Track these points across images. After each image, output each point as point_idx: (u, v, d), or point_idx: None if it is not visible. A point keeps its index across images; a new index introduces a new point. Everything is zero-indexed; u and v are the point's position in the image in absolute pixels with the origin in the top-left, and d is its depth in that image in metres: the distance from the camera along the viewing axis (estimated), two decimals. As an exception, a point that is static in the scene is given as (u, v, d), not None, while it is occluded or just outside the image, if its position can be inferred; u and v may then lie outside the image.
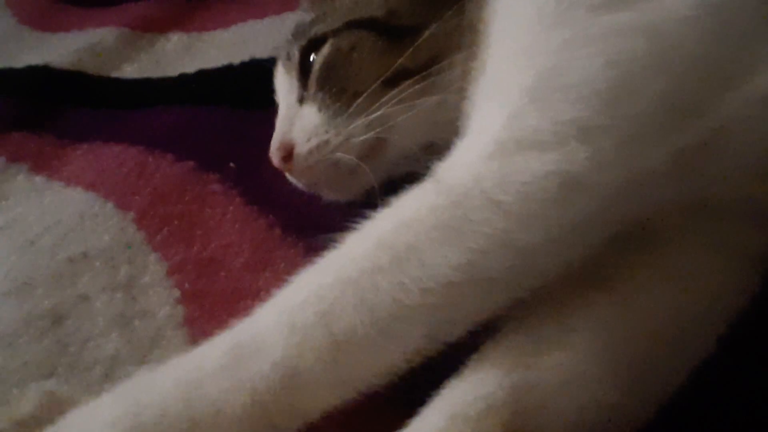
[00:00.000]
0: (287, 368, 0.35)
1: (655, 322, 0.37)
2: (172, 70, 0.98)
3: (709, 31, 0.38)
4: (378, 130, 0.53)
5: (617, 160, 0.35)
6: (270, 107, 0.82)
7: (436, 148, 0.55)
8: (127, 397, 0.37)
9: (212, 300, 0.52)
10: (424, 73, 0.52)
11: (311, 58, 0.57)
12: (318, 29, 0.57)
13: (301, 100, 0.57)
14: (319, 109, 0.55)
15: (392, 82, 0.52)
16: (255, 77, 0.89)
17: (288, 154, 0.55)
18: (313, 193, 0.60)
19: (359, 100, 0.53)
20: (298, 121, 0.56)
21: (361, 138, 0.52)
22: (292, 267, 0.54)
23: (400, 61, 0.52)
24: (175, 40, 1.08)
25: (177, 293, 0.53)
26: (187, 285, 0.53)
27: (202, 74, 0.93)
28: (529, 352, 0.35)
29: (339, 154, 0.53)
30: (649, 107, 0.36)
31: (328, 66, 0.55)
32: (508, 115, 0.38)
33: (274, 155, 0.56)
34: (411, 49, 0.52)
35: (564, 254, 0.35)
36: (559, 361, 0.35)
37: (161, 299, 0.52)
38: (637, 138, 0.36)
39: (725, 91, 0.37)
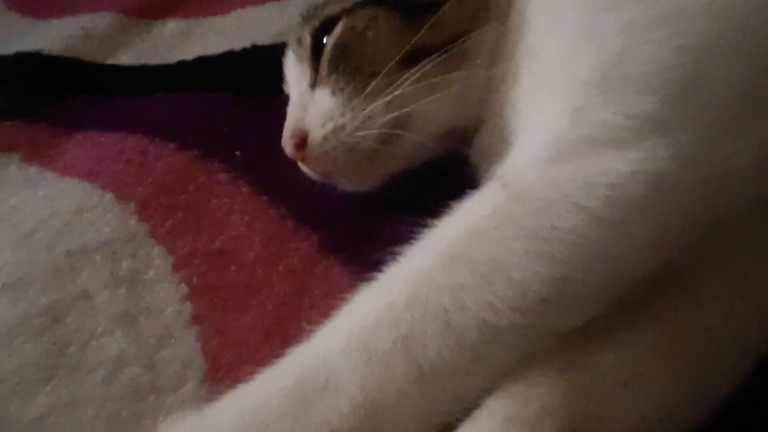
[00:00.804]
0: (368, 405, 0.31)
1: (715, 321, 0.35)
2: (171, 57, 0.94)
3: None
4: (398, 112, 0.49)
5: (702, 154, 0.33)
6: (275, 94, 0.79)
7: (459, 133, 0.54)
8: None
9: (223, 296, 0.49)
10: (443, 50, 0.48)
11: (324, 41, 0.53)
12: (330, 10, 0.54)
13: (314, 85, 0.53)
14: (333, 92, 0.51)
15: (411, 60, 0.49)
16: (257, 64, 0.87)
17: (302, 141, 0.51)
18: (327, 184, 0.57)
19: (376, 80, 0.49)
20: (312, 107, 0.52)
21: (380, 121, 0.49)
22: (307, 261, 0.53)
23: (417, 37, 0.49)
24: (172, 26, 1.03)
25: (185, 289, 0.49)
26: (195, 280, 0.50)
27: (202, 61, 0.89)
28: (584, 350, 0.32)
29: (357, 139, 0.50)
30: (727, 95, 0.34)
31: (342, 46, 0.52)
32: (573, 109, 0.36)
33: (287, 143, 0.52)
34: (428, 25, 0.49)
35: (654, 258, 0.33)
36: (617, 361, 0.32)
37: (168, 295, 0.48)
38: (719, 130, 0.34)
39: None
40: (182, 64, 0.90)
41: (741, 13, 0.35)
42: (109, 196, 0.59)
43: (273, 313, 0.47)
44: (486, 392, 0.32)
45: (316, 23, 0.53)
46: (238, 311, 0.47)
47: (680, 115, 0.34)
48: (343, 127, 0.50)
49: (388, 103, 0.49)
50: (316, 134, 0.51)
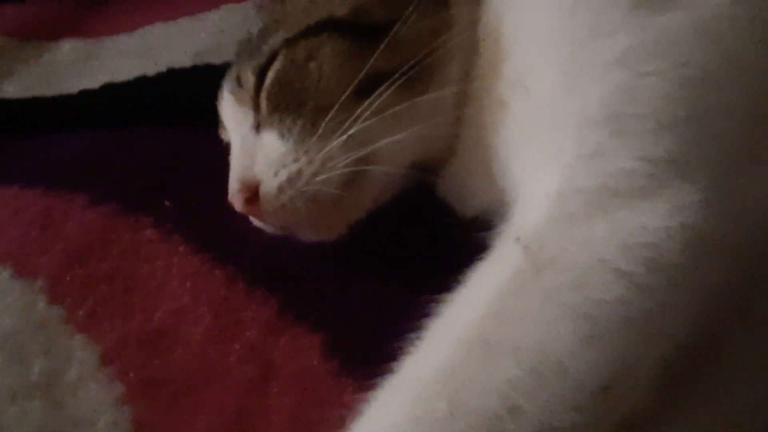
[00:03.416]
0: None
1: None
2: (69, 86, 0.81)
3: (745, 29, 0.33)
4: (361, 149, 0.43)
5: (726, 192, 0.31)
6: (198, 125, 0.70)
7: (427, 163, 0.49)
8: None
9: (169, 391, 0.40)
10: (401, 72, 0.43)
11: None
12: (273, 43, 0.46)
13: (258, 128, 0.46)
14: (281, 135, 0.44)
15: (367, 89, 0.43)
16: (175, 90, 0.77)
17: (252, 194, 0.44)
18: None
19: (329, 116, 0.43)
20: (259, 153, 0.45)
21: (341, 161, 0.43)
22: (267, 333, 0.45)
23: (371, 61, 0.43)
24: (68, 48, 0.90)
25: (119, 388, 0.40)
26: (132, 375, 0.40)
27: (110, 89, 0.77)
28: None
29: (317, 186, 0.43)
30: (734, 125, 0.32)
31: (281, 82, 0.45)
32: (585, 156, 0.33)
33: (236, 198, 0.44)
34: (383, 46, 0.43)
35: (708, 322, 0.30)
36: None
37: (98, 400, 0.39)
38: (736, 162, 0.32)
39: None
40: (86, 94, 0.77)
41: (732, 37, 0.33)
42: (6, 274, 0.47)
43: (234, 407, 0.39)
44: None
45: (262, 60, 0.46)
46: (190, 410, 0.39)
47: (696, 155, 0.32)
48: (299, 173, 0.43)
49: (347, 140, 0.43)
50: (269, 185, 0.44)
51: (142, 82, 0.78)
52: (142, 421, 0.38)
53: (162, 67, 0.79)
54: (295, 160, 0.44)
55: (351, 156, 0.43)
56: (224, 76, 0.80)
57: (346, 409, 0.39)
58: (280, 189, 0.44)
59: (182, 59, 0.81)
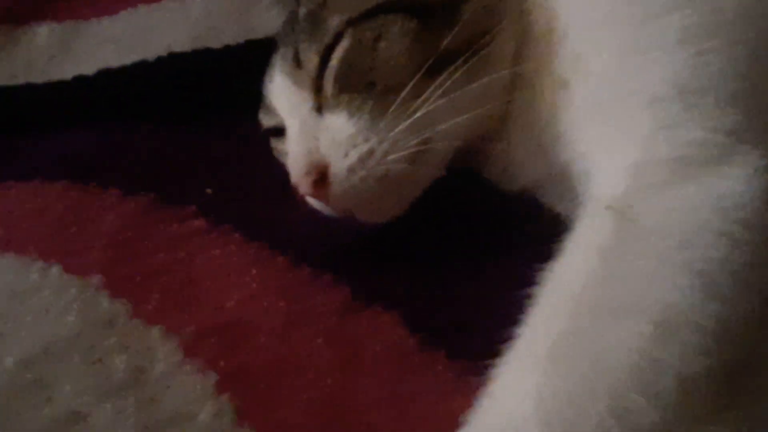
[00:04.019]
0: None
1: None
2: (55, 73, 0.76)
3: None
4: (427, 130, 0.44)
5: None
6: (210, 111, 0.68)
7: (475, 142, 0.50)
8: None
9: (265, 378, 0.39)
10: (466, 56, 0.44)
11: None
12: (335, 23, 0.46)
13: (320, 109, 0.46)
14: (351, 115, 0.44)
15: (432, 70, 0.44)
16: (181, 76, 0.73)
17: (320, 176, 0.44)
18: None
19: (402, 96, 0.44)
20: (325, 134, 0.45)
21: (412, 139, 0.44)
22: (346, 315, 0.45)
23: (445, 41, 0.44)
24: (44, 32, 0.83)
25: (213, 377, 0.39)
26: (222, 363, 0.39)
27: (106, 75, 0.72)
28: None
29: (388, 164, 0.44)
30: None
31: (350, 62, 0.45)
32: (662, 129, 0.36)
33: (303, 182, 0.44)
34: (458, 27, 0.44)
35: None
36: None
37: (194, 391, 0.38)
38: None
39: None
40: (81, 80, 0.72)
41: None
42: (55, 270, 0.44)
43: (329, 387, 0.39)
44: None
45: (327, 40, 0.45)
46: (288, 393, 0.39)
47: (756, 124, 0.35)
48: (370, 153, 0.44)
49: (417, 120, 0.44)
50: (339, 166, 0.44)
51: (141, 67, 0.74)
52: (244, 407, 0.37)
53: (160, 52, 0.76)
54: (366, 140, 0.44)
55: (420, 135, 0.44)
56: (222, 60, 0.78)
57: (440, 381, 0.41)
58: (351, 169, 0.44)
59: (179, 43, 0.78)
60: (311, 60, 0.46)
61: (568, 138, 0.44)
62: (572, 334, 0.32)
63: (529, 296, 0.38)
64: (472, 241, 0.50)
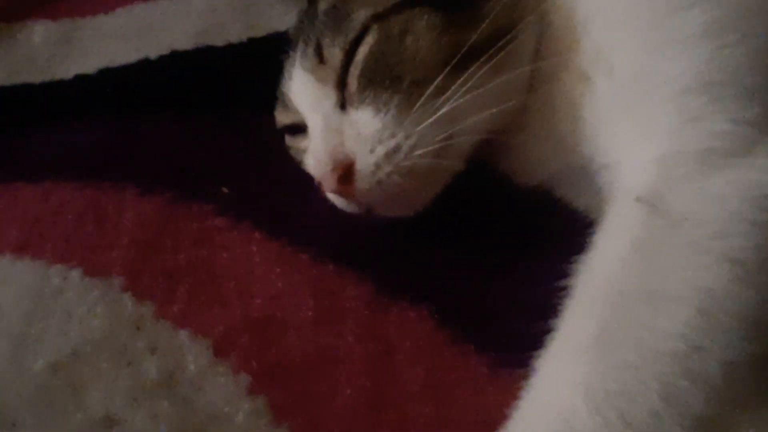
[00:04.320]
0: None
1: None
2: (54, 72, 0.74)
3: None
4: (452, 125, 0.44)
5: None
6: (217, 110, 0.67)
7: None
8: None
9: (299, 375, 0.39)
10: (493, 49, 0.44)
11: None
12: (359, 18, 0.45)
13: (343, 105, 0.45)
14: (377, 110, 0.44)
15: (459, 65, 0.44)
16: (185, 73, 0.72)
17: (345, 172, 0.43)
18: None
19: (428, 91, 0.43)
20: (349, 130, 0.44)
21: (438, 135, 0.44)
22: (376, 310, 0.45)
23: (475, 36, 0.44)
24: (42, 30, 0.81)
25: (246, 378, 0.38)
26: (254, 363, 0.39)
27: (109, 74, 0.71)
28: None
29: (415, 159, 0.43)
30: None
31: (376, 57, 0.44)
32: (688, 120, 0.37)
33: (328, 178, 0.43)
34: (487, 21, 0.44)
35: None
36: None
37: (229, 392, 0.37)
38: None
39: None
40: (82, 79, 0.71)
41: None
42: (75, 273, 0.43)
43: (366, 383, 0.39)
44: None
45: (352, 35, 0.45)
46: (324, 391, 0.38)
47: None
48: (397, 148, 0.43)
49: (443, 115, 0.44)
50: (365, 162, 0.43)
51: (144, 65, 0.73)
52: (281, 405, 0.37)
53: (162, 50, 0.74)
54: (392, 136, 0.44)
55: (446, 130, 0.44)
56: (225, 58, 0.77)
57: (474, 374, 0.41)
58: (377, 165, 0.43)
59: (181, 40, 0.77)
60: (335, 55, 0.46)
61: (590, 132, 0.44)
62: (615, 323, 0.33)
63: (558, 289, 0.39)
64: (493, 235, 0.51)
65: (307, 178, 0.50)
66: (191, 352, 0.39)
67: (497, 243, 0.50)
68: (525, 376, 0.36)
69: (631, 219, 0.37)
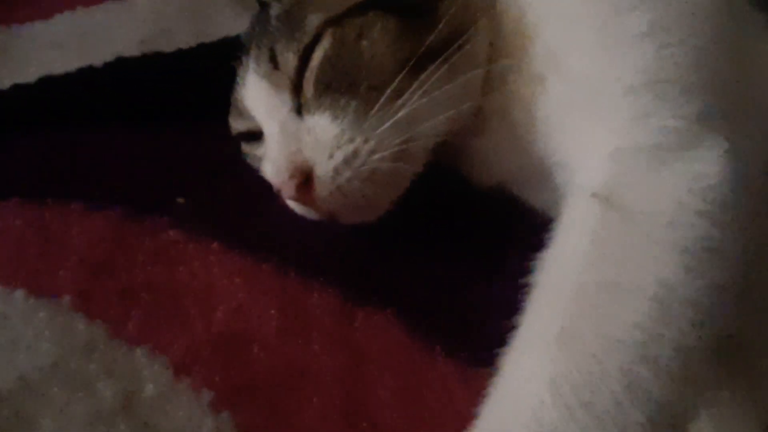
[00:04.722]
0: None
1: None
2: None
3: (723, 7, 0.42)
4: (410, 129, 0.44)
5: (744, 139, 0.37)
6: (173, 116, 0.65)
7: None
8: None
9: (266, 389, 0.38)
10: (447, 53, 0.45)
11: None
12: (312, 23, 0.45)
13: (299, 111, 0.45)
14: (334, 116, 0.43)
15: (414, 69, 0.44)
16: (130, 81, 0.69)
17: (304, 179, 0.43)
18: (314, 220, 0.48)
19: (386, 95, 0.43)
20: (307, 137, 0.44)
21: (396, 138, 0.44)
22: (341, 318, 0.45)
23: (430, 39, 0.44)
24: (-28, 38, 0.76)
25: (209, 395, 0.37)
26: (217, 379, 0.37)
27: (48, 83, 0.67)
28: None
29: (374, 164, 0.43)
30: (740, 86, 0.39)
31: (332, 63, 0.44)
32: (636, 117, 0.38)
33: (287, 186, 0.43)
34: (441, 25, 0.44)
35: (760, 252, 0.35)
36: None
37: (191, 411, 0.36)
38: (744, 113, 0.39)
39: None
40: (20, 89, 0.66)
41: (717, 14, 0.41)
42: (18, 294, 0.41)
43: (337, 394, 0.38)
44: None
45: (305, 40, 0.44)
46: (294, 405, 0.37)
47: (717, 111, 0.38)
48: (356, 153, 0.43)
49: (400, 119, 0.44)
50: (324, 168, 0.43)
51: (88, 72, 0.69)
52: (247, 422, 0.36)
53: (107, 57, 0.71)
54: (351, 140, 0.43)
55: (404, 133, 0.44)
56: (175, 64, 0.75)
57: (442, 374, 0.42)
58: (336, 170, 0.43)
59: (127, 47, 0.74)
60: (290, 61, 0.45)
61: (545, 131, 0.45)
62: (576, 316, 0.33)
63: (521, 286, 0.40)
64: (455, 237, 0.51)
65: (266, 186, 0.49)
66: (149, 372, 0.37)
67: (459, 244, 0.51)
68: (492, 374, 0.36)
69: (588, 214, 0.37)
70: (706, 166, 0.36)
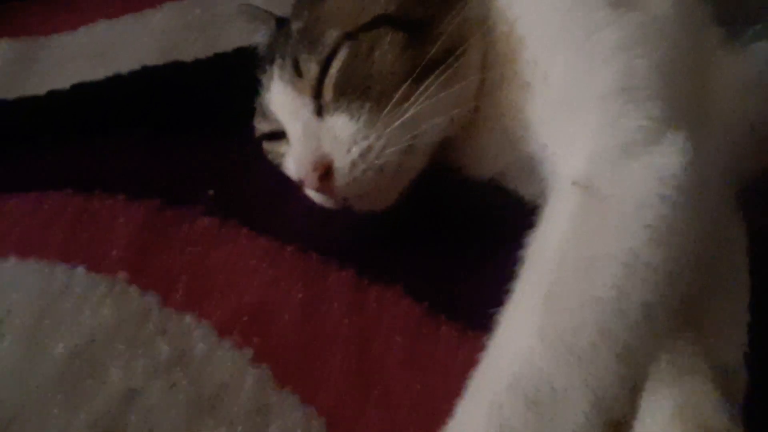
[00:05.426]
0: None
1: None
2: (23, 87, 0.76)
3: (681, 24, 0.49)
4: (415, 128, 0.51)
5: (699, 133, 0.44)
6: (196, 121, 0.71)
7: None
8: None
9: (296, 348, 0.44)
10: (446, 64, 0.52)
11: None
12: (332, 37, 0.52)
13: (320, 113, 0.52)
14: (351, 116, 0.50)
15: (420, 76, 0.52)
16: (156, 87, 0.76)
17: (325, 171, 0.50)
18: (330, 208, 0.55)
19: (395, 99, 0.50)
20: (326, 134, 0.50)
21: (404, 136, 0.51)
22: (357, 293, 0.51)
23: (432, 51, 0.51)
24: (4, 48, 0.82)
25: (249, 352, 0.43)
26: (255, 339, 0.44)
27: (82, 89, 0.74)
28: None
29: (385, 158, 0.50)
30: (692, 91, 0.47)
31: (348, 70, 0.51)
32: (609, 120, 0.45)
33: (310, 177, 0.49)
34: (441, 40, 0.52)
35: (714, 230, 0.43)
36: None
37: (235, 365, 0.42)
38: (698, 114, 0.46)
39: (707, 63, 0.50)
40: (55, 95, 0.73)
41: (676, 30, 0.48)
42: (80, 270, 0.47)
43: (355, 354, 0.45)
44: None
45: (326, 52, 0.51)
46: (319, 361, 0.44)
47: (676, 113, 0.45)
48: (370, 148, 0.50)
49: (407, 119, 0.51)
50: (342, 161, 0.50)
51: (116, 81, 0.76)
52: (282, 374, 0.43)
53: (132, 65, 0.78)
54: (365, 138, 0.50)
55: (411, 132, 0.51)
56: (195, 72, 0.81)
57: (446, 338, 0.48)
58: (353, 163, 0.50)
59: (148, 58, 0.80)
60: (311, 69, 0.52)
61: (532, 131, 0.52)
62: (560, 281, 0.40)
63: (513, 260, 0.47)
64: (455, 224, 0.58)
65: (285, 180, 0.56)
66: (198, 333, 0.44)
67: (458, 230, 0.58)
68: (489, 336, 0.43)
69: (569, 199, 0.44)
70: (668, 159, 0.43)
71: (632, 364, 0.37)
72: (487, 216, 0.58)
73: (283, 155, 0.59)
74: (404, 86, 0.51)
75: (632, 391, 0.38)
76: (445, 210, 0.60)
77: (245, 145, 0.63)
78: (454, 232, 0.57)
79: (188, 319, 0.45)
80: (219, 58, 0.81)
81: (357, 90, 0.51)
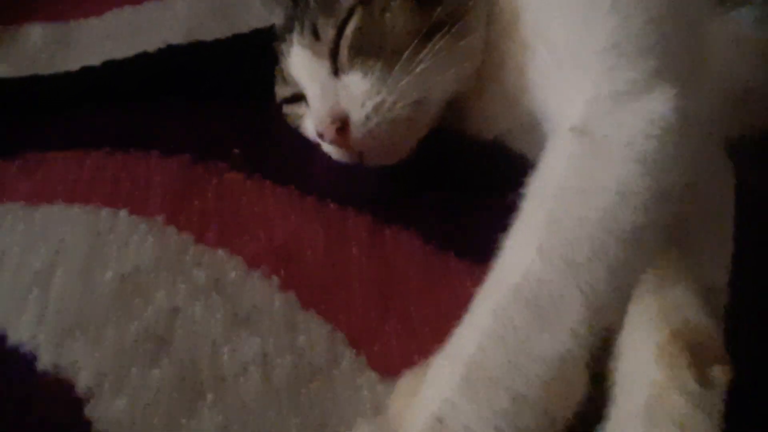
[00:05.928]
0: None
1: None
2: (52, 66, 0.81)
3: None
4: (424, 84, 0.56)
5: (688, 84, 0.48)
6: (219, 95, 0.76)
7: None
8: None
9: (319, 280, 0.49)
10: (451, 24, 0.57)
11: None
12: (347, 2, 0.57)
13: (336, 73, 0.57)
14: (364, 74, 0.55)
15: (427, 36, 0.56)
16: (181, 63, 0.81)
17: (342, 125, 0.54)
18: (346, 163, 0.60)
19: (405, 56, 0.55)
20: (343, 91, 0.55)
21: (414, 91, 0.55)
22: (375, 236, 0.55)
23: (437, 12, 0.56)
24: (39, 32, 0.88)
25: (276, 280, 0.48)
26: (282, 271, 0.49)
27: (113, 66, 0.79)
28: None
29: (397, 111, 0.55)
30: (684, 47, 0.51)
31: (362, 32, 0.56)
32: (605, 70, 0.49)
33: (329, 129, 0.54)
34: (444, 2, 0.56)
35: (694, 167, 0.46)
36: None
37: (265, 290, 0.47)
38: (688, 68, 0.50)
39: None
40: (87, 70, 0.78)
41: None
42: (123, 213, 0.52)
43: (374, 282, 0.50)
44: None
45: (342, 16, 0.56)
46: (341, 292, 0.48)
47: (667, 65, 0.49)
48: (382, 103, 0.55)
49: (416, 75, 0.56)
50: (357, 115, 0.54)
51: (143, 58, 0.81)
52: (307, 299, 0.47)
53: (159, 43, 0.83)
54: (378, 93, 0.55)
55: (420, 87, 0.56)
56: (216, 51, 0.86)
57: (455, 272, 0.53)
58: (368, 117, 0.54)
59: (175, 36, 0.86)
60: (328, 33, 0.56)
61: (533, 89, 0.56)
62: (558, 210, 0.44)
63: (516, 204, 0.51)
64: (461, 175, 0.63)
65: (303, 141, 0.61)
66: (230, 264, 0.49)
67: (465, 180, 0.62)
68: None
69: (567, 142, 0.48)
70: (657, 105, 0.47)
71: (622, 275, 0.41)
72: (491, 169, 0.63)
73: (301, 117, 0.64)
74: (412, 46, 0.55)
75: (621, 301, 0.42)
76: (453, 166, 0.64)
77: (263, 112, 0.68)
78: (461, 182, 0.62)
79: (221, 252, 0.50)
80: (238, 38, 0.86)
81: (370, 50, 0.56)
